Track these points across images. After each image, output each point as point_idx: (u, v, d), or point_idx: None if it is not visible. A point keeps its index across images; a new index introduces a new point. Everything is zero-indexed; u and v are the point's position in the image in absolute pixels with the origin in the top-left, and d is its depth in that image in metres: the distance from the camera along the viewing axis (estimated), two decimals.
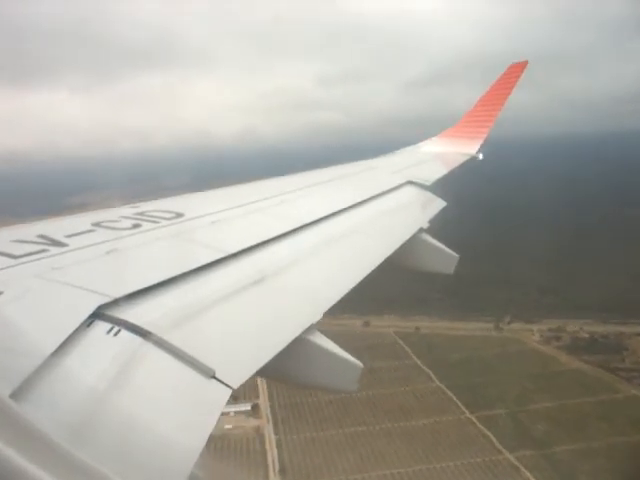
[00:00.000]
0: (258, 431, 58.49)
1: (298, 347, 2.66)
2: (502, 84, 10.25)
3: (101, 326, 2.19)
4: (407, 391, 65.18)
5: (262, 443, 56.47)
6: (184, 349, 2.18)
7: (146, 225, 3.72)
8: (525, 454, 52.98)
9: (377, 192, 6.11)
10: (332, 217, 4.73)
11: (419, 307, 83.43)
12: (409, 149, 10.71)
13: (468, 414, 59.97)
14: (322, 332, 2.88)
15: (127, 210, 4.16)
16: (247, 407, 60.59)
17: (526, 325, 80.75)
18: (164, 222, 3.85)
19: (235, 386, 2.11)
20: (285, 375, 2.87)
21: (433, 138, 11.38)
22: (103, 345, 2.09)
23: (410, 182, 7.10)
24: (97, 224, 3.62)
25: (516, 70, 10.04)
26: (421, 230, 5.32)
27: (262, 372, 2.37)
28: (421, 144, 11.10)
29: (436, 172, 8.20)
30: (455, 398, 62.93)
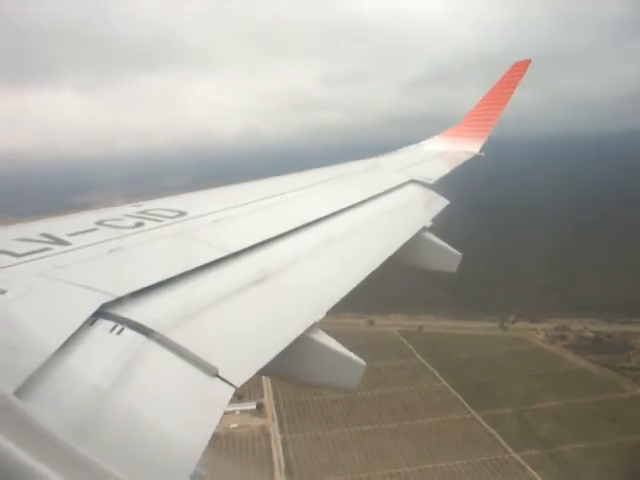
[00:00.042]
0: (263, 430, 58.51)
1: (301, 345, 2.66)
2: (505, 82, 10.19)
3: (104, 324, 2.19)
4: (412, 390, 65.10)
5: (267, 442, 56.50)
6: (187, 347, 2.18)
7: (149, 224, 3.71)
8: (531, 453, 52.83)
9: (380, 191, 6.08)
10: (335, 216, 4.71)
11: (423, 306, 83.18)
12: (412, 148, 10.58)
13: (474, 413, 59.79)
14: (326, 331, 2.88)
15: (130, 209, 4.15)
16: (252, 406, 60.67)
17: (531, 324, 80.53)
18: (167, 221, 3.84)
19: (238, 384, 2.11)
20: (288, 373, 2.87)
21: (436, 137, 11.27)
22: (106, 343, 2.09)
23: (413, 181, 7.06)
24: (100, 223, 3.61)
25: (519, 68, 9.98)
26: (424, 229, 5.29)
27: (265, 370, 2.37)
28: (424, 143, 10.99)
29: (439, 170, 8.13)
30: (461, 397, 62.78)
